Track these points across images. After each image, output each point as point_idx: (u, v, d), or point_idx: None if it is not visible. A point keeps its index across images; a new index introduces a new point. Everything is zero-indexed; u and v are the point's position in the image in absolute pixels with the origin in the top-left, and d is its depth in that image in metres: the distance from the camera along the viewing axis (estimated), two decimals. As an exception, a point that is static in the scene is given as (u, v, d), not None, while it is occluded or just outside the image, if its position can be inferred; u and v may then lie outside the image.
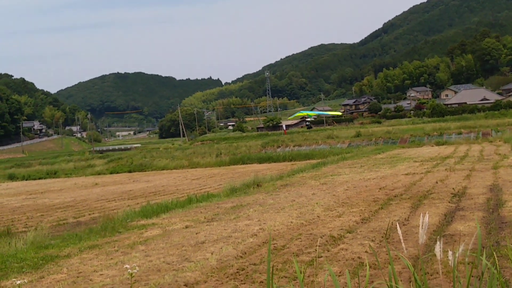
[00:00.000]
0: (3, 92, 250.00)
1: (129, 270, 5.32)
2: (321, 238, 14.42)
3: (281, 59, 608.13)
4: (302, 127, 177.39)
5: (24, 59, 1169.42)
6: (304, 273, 10.98)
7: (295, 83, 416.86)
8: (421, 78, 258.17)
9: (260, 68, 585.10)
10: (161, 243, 15.98)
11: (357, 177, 30.97)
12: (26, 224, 25.67)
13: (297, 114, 71.24)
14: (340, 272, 10.86)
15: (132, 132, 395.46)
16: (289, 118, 71.00)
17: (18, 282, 5.82)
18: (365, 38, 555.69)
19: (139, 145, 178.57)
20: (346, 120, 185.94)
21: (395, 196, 21.82)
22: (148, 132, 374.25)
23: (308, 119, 68.34)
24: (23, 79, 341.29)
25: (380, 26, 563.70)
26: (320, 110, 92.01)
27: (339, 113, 70.34)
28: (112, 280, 11.85)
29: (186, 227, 18.73)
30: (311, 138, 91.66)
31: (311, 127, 68.26)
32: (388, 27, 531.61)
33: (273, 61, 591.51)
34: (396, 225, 6.76)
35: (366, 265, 5.74)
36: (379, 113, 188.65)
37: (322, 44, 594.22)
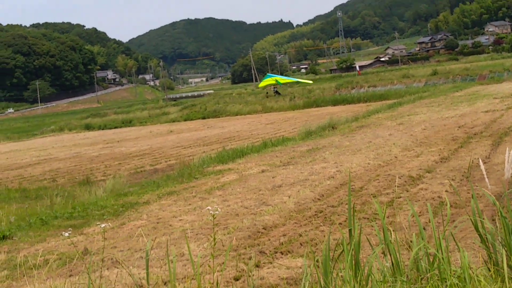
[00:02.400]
0: (76, 42, 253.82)
1: (211, 212, 5.25)
2: (400, 178, 14.20)
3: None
4: (377, 66, 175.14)
5: (96, 8, 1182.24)
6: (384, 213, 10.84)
7: (368, 22, 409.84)
8: (499, 12, 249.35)
9: (331, 8, 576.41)
10: (238, 187, 16.03)
11: (434, 116, 30.36)
12: (105, 173, 26.16)
13: (266, 80, 69.08)
14: (420, 212, 10.67)
15: (204, 79, 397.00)
16: (259, 85, 69.46)
17: (103, 225, 5.82)
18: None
19: (211, 91, 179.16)
20: (422, 58, 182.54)
21: (475, 134, 21.33)
22: (220, 78, 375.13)
23: (275, 87, 66.71)
24: (95, 29, 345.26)
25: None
26: (297, 77, 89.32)
27: (310, 81, 68.35)
28: (191, 225, 11.94)
29: (262, 171, 18.73)
30: (386, 78, 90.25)
31: (279, 94, 66.62)
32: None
33: (344, 1, 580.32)
34: (479, 162, 6.52)
35: (447, 204, 5.54)
36: (456, 50, 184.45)
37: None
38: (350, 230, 5.00)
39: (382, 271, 5.03)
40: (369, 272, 4.90)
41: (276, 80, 69.50)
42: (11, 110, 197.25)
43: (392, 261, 5.02)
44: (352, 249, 4.91)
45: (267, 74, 79.55)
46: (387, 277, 4.94)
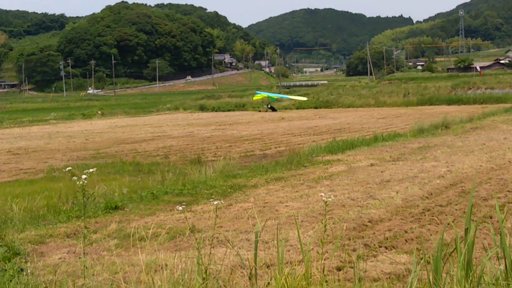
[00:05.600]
0: (197, 25, 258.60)
1: (324, 199, 5.34)
2: (512, 183, 13.88)
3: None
4: (496, 69, 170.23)
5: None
6: (492, 217, 10.63)
7: (490, 23, 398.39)
8: None
9: (454, 6, 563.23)
10: (346, 179, 16.05)
11: (553, 124, 29.37)
12: (215, 154, 26.58)
13: (258, 95, 66.44)
14: (532, 220, 10.41)
15: (319, 69, 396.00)
16: (253, 98, 66.70)
17: (216, 202, 6.00)
18: None
19: (325, 82, 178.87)
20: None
21: None
22: (335, 69, 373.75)
23: (269, 103, 64.07)
24: (216, 12, 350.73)
25: None
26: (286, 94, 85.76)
27: (304, 99, 65.40)
28: (297, 212, 12.06)
29: (371, 164, 18.67)
30: (504, 81, 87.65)
31: (275, 110, 64.14)
32: None
33: (468, 0, 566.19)
34: None
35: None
36: None
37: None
38: (466, 229, 4.96)
39: (495, 274, 4.97)
40: (481, 273, 4.85)
41: (268, 95, 68.15)
42: (93, 90, 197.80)
43: (506, 264, 4.94)
44: (466, 249, 4.87)
45: (256, 92, 78.17)
46: (500, 280, 4.87)
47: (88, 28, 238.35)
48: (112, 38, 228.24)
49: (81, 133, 43.30)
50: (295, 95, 72.74)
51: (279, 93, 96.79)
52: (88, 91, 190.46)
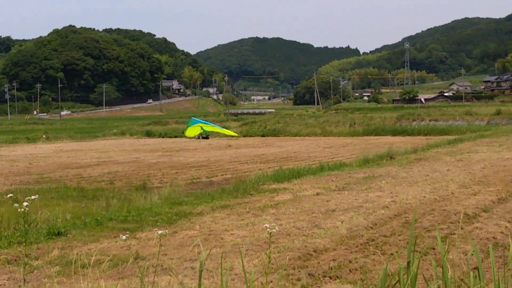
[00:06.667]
0: (145, 50, 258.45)
1: (268, 229, 5.35)
2: (455, 215, 14.09)
3: (422, 31, 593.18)
4: (440, 101, 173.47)
5: (167, 19, 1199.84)
6: (435, 249, 10.76)
7: (435, 56, 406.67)
8: None
9: (400, 39, 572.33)
10: (292, 208, 16.09)
11: (495, 156, 29.95)
12: (161, 180, 26.46)
13: (192, 127, 66.87)
14: (474, 251, 10.56)
15: (267, 97, 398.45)
16: (185, 133, 67.04)
17: (160, 231, 5.95)
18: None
19: (273, 110, 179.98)
20: (486, 97, 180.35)
21: (536, 178, 20.98)
22: (282, 97, 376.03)
23: (200, 134, 64.84)
24: (165, 39, 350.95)
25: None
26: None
27: (236, 134, 66.42)
28: (242, 240, 12.05)
29: (317, 194, 18.76)
30: (448, 113, 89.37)
31: (207, 138, 64.96)
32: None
33: (413, 33, 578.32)
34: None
35: (503, 246, 5.51)
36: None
37: (466, 18, 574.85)
38: (408, 262, 5.01)
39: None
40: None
41: (201, 127, 68.49)
42: (67, 111, 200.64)
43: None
44: (409, 283, 4.91)
45: (192, 118, 78.38)
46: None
47: (34, 51, 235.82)
48: (59, 61, 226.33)
49: (24, 157, 42.65)
50: (228, 130, 72.39)
51: (223, 119, 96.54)
52: (34, 115, 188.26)
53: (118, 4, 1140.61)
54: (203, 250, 6.14)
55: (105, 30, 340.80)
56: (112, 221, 15.19)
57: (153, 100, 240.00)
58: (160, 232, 6.08)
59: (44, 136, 73.71)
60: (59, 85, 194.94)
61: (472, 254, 5.59)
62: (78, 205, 18.24)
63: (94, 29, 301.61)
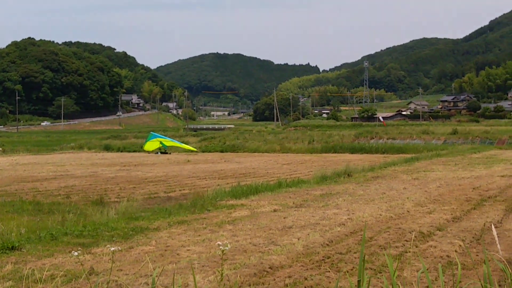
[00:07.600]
0: (105, 64, 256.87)
1: (221, 247, 5.35)
2: (410, 233, 14.21)
3: (381, 50, 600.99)
4: (398, 119, 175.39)
5: (128, 33, 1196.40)
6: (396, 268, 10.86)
7: (393, 75, 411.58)
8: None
9: (359, 58, 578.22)
10: (249, 224, 16.10)
11: (450, 175, 30.36)
12: (119, 195, 26.29)
13: (151, 141, 67.16)
14: (427, 269, 10.67)
15: (226, 113, 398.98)
16: (144, 148, 67.20)
17: (112, 248, 5.92)
18: (469, 34, 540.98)
19: (232, 126, 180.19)
20: (443, 116, 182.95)
21: (489, 197, 21.28)
22: (242, 113, 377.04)
23: (160, 148, 65.39)
24: (125, 53, 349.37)
25: (486, 23, 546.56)
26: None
27: (194, 149, 67.03)
28: (198, 256, 12.02)
29: (274, 210, 18.80)
30: (405, 132, 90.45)
31: (166, 153, 65.44)
32: (495, 25, 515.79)
33: (372, 52, 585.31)
34: (491, 226, 6.57)
35: (456, 264, 5.59)
36: (477, 111, 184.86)
37: (424, 38, 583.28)
38: (359, 281, 5.04)
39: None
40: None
41: (161, 142, 68.71)
42: (47, 122, 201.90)
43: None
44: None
45: (151, 133, 78.47)
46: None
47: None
48: (17, 74, 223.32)
49: (-21, 170, 42.06)
50: (187, 145, 72.30)
51: (182, 134, 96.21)
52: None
53: (78, 17, 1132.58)
54: (157, 267, 6.13)
55: (65, 43, 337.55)
56: (68, 235, 15.01)
57: (111, 114, 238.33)
58: (112, 249, 6.05)
59: (0, 148, 72.79)
60: (17, 98, 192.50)
61: (423, 273, 5.63)
62: (33, 219, 18.05)
63: (53, 41, 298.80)
